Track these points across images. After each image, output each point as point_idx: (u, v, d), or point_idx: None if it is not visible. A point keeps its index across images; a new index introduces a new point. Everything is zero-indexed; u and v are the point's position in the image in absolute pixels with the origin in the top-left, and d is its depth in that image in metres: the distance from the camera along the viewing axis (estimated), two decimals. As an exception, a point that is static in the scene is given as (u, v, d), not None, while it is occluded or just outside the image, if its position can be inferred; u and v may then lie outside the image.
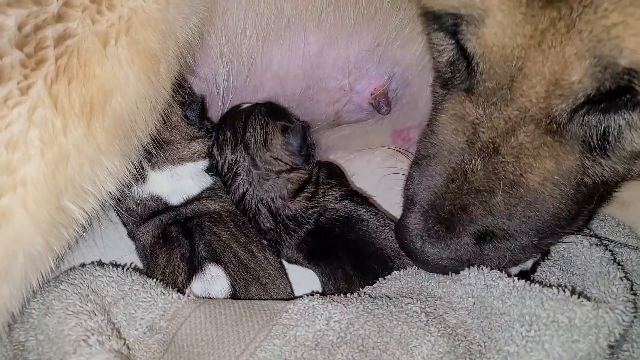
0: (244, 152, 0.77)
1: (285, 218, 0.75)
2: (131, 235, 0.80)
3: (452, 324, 0.61)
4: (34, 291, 0.55)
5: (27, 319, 0.58)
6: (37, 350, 0.57)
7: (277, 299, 0.68)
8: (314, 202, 0.76)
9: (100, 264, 0.69)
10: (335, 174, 0.83)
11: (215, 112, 0.85)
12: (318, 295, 0.63)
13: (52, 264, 0.56)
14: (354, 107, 0.90)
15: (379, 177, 0.84)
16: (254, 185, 0.76)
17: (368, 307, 0.62)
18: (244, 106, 0.81)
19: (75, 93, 0.56)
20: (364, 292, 0.68)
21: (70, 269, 0.67)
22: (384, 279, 0.69)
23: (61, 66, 0.55)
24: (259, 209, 0.76)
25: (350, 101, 0.88)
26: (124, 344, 0.56)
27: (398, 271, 0.70)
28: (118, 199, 0.76)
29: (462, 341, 0.59)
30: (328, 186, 0.79)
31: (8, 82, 0.52)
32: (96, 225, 0.81)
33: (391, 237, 0.74)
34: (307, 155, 0.78)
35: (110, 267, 0.67)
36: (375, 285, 0.69)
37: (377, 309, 0.62)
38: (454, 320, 0.62)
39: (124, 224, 0.80)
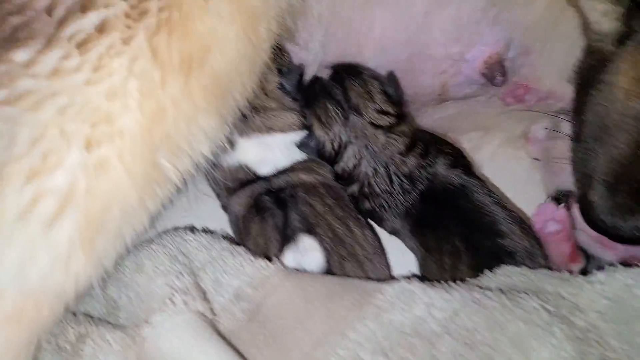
0: (356, 116, 0.73)
1: (401, 176, 0.71)
2: (224, 207, 0.79)
3: (579, 326, 0.51)
4: (127, 249, 0.55)
5: (121, 276, 0.58)
6: (128, 308, 0.56)
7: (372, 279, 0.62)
8: (427, 160, 0.72)
9: (192, 229, 0.68)
10: (443, 141, 0.76)
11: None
12: (417, 279, 0.56)
13: (145, 222, 0.55)
14: (463, 79, 0.81)
15: (502, 168, 0.78)
16: (371, 147, 0.73)
17: (476, 297, 0.54)
18: (323, 78, 0.78)
19: (175, 47, 0.54)
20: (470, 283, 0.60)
21: (163, 232, 0.67)
22: (493, 272, 0.60)
23: (162, 19, 0.54)
24: (376, 171, 0.72)
25: (459, 72, 0.79)
26: (208, 307, 0.53)
27: (510, 267, 0.61)
28: (212, 166, 0.75)
29: (593, 347, 0.49)
30: (437, 147, 0.73)
31: (111, 33, 0.52)
32: (192, 197, 0.82)
33: (504, 214, 0.66)
34: (402, 104, 0.77)
35: (201, 232, 0.66)
36: (481, 277, 0.61)
37: (488, 300, 0.53)
38: (582, 322, 0.52)
39: (217, 195, 0.79)
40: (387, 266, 0.68)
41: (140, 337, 0.48)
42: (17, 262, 0.48)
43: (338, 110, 0.74)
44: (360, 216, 0.72)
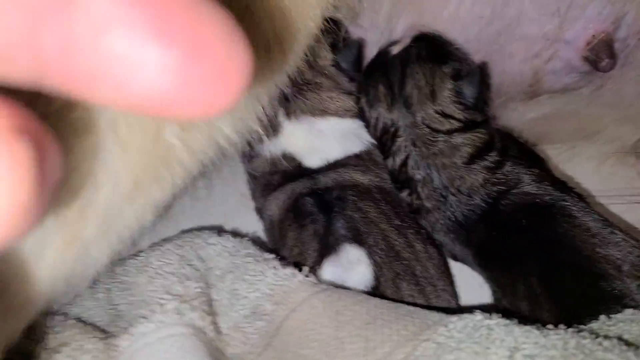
0: (404, 110, 0.58)
1: (456, 192, 0.55)
2: (258, 211, 0.67)
3: None
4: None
5: (124, 276, 0.49)
6: (127, 315, 0.46)
7: (434, 308, 0.47)
8: (498, 175, 0.54)
9: (220, 230, 0.58)
10: (534, 156, 0.59)
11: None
12: (498, 314, 0.41)
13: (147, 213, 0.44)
14: (561, 65, 0.64)
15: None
16: (419, 148, 0.57)
17: (587, 346, 0.37)
18: (395, 50, 0.62)
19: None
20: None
21: (185, 231, 0.57)
22: (609, 318, 0.43)
23: None
24: (424, 179, 0.56)
25: (555, 55, 0.63)
26: (212, 322, 0.41)
27: (633, 311, 0.43)
28: (249, 156, 0.65)
29: None
30: (520, 162, 0.56)
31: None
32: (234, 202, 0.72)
33: (610, 244, 0.48)
34: (482, 108, 0.58)
35: (230, 235, 0.55)
36: (593, 324, 0.44)
37: (602, 352, 0.37)
38: None
39: (252, 195, 0.68)
40: (454, 294, 0.53)
41: (115, 350, 0.37)
42: None
43: (388, 96, 0.59)
44: (423, 230, 0.57)
